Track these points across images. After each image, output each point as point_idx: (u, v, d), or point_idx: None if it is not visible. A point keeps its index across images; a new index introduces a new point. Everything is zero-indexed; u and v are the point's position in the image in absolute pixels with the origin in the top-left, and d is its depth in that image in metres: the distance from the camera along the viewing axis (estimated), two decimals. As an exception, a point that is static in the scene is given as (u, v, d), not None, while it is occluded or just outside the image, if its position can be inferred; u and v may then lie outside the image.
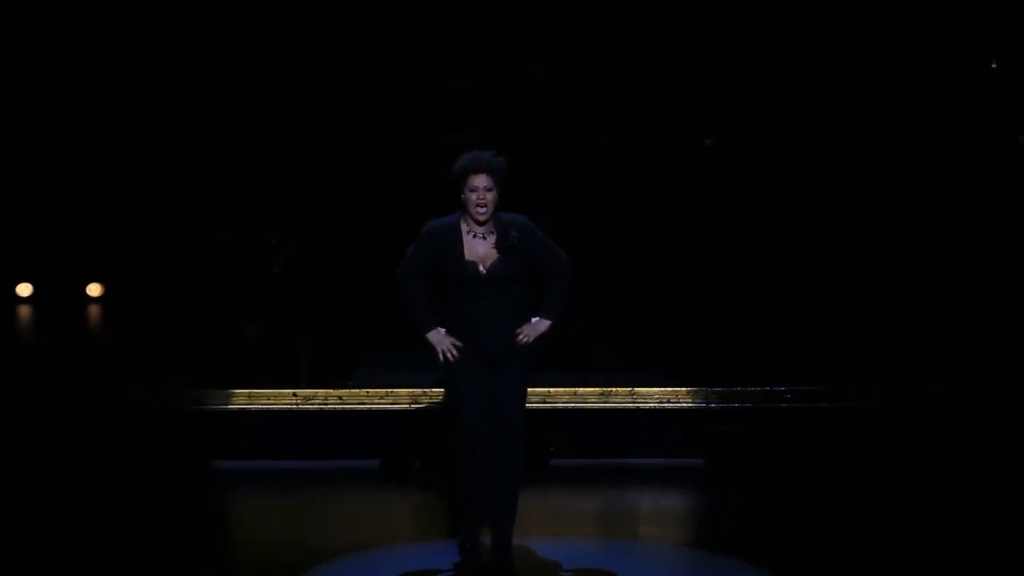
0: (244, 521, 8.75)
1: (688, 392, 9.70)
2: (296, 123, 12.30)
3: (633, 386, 9.71)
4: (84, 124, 12.56)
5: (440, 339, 7.35)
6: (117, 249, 12.73)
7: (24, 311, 12.93)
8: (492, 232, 7.31)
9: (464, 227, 7.33)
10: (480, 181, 7.25)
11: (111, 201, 12.64)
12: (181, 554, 7.73)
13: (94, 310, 12.95)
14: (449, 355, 7.33)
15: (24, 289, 13.14)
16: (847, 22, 12.08)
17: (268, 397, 9.65)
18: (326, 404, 9.65)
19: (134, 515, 8.43)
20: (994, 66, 12.16)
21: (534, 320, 7.42)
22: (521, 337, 7.37)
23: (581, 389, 9.67)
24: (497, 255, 7.29)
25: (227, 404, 9.62)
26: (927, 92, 12.02)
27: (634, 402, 9.67)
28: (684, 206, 11.84)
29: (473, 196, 7.26)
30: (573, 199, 11.85)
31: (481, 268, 7.29)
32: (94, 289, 13.14)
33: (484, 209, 7.26)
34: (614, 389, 9.69)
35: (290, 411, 9.63)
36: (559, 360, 10.23)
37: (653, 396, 9.69)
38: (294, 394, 9.64)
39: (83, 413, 9.51)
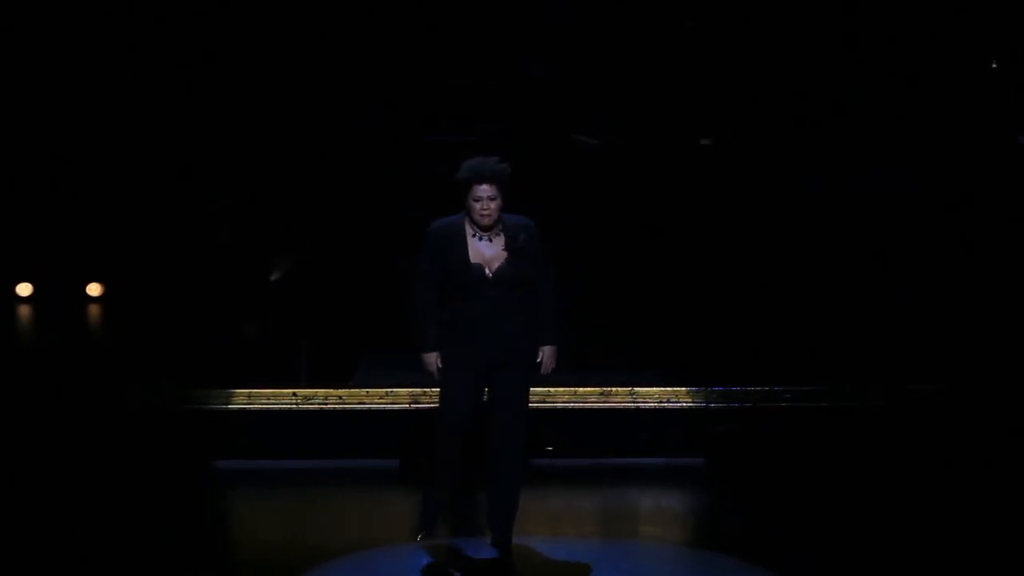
0: (244, 521, 8.75)
1: (688, 392, 9.71)
2: (296, 123, 12.29)
3: (633, 386, 9.71)
4: (84, 124, 12.56)
5: (431, 361, 7.39)
6: (117, 249, 12.72)
7: (24, 311, 12.93)
8: (498, 234, 7.31)
9: (469, 230, 7.33)
10: (484, 190, 7.25)
11: (111, 201, 12.63)
12: (181, 554, 7.73)
13: (94, 310, 12.95)
14: (436, 375, 7.40)
15: (24, 289, 13.13)
16: (847, 22, 12.07)
17: (268, 397, 9.65)
18: (326, 404, 9.65)
19: (134, 515, 8.44)
20: (994, 66, 12.16)
21: (545, 350, 7.44)
22: (543, 371, 7.45)
23: (581, 389, 9.67)
24: (504, 258, 7.29)
25: (227, 404, 9.62)
26: (927, 92, 12.02)
27: (634, 402, 9.67)
28: (684, 206, 11.84)
29: (477, 205, 7.26)
30: (573, 199, 11.84)
31: (487, 271, 7.28)
32: (94, 289, 13.13)
33: (489, 218, 7.26)
34: (614, 389, 9.70)
35: (290, 411, 9.63)
36: (559, 360, 10.23)
37: (653, 396, 9.69)
38: (294, 394, 9.65)
39: (83, 413, 9.51)
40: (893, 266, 11.49)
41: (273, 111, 12.31)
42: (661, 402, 9.68)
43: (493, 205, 7.26)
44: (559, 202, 11.60)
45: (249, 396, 9.66)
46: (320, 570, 7.37)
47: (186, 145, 12.46)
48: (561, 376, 9.36)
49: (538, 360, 7.45)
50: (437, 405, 7.51)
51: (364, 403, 9.64)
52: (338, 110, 12.35)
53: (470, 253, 7.29)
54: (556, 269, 7.46)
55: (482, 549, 7.64)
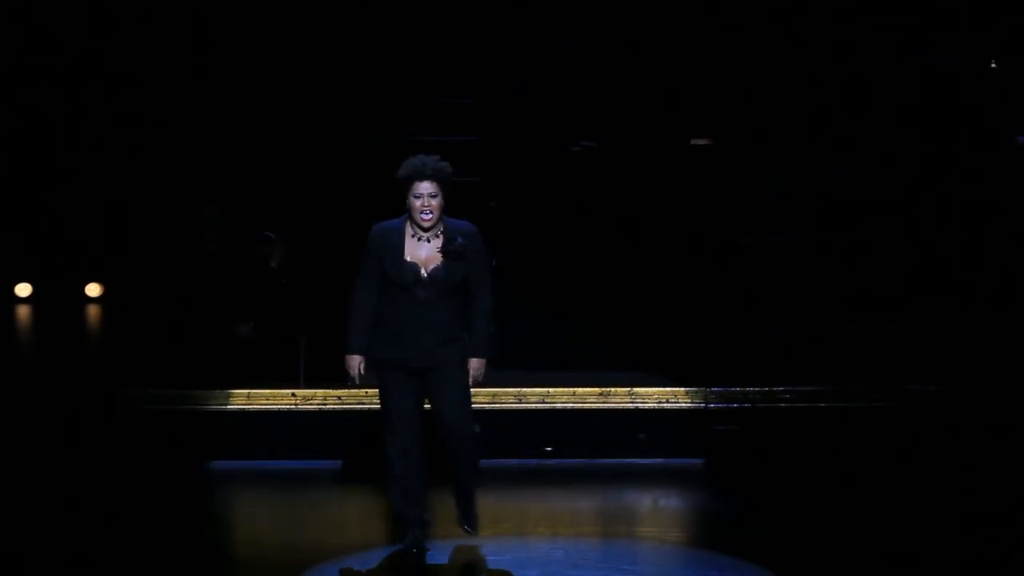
0: (244, 521, 8.76)
1: (687, 392, 9.71)
2: (293, 123, 12.28)
3: (633, 386, 9.72)
4: (83, 123, 12.56)
5: (354, 365, 7.40)
6: (117, 249, 12.71)
7: (24, 311, 12.92)
8: (438, 236, 7.31)
9: (409, 230, 7.32)
10: (424, 188, 7.25)
11: (111, 201, 12.62)
12: (181, 554, 7.73)
13: (94, 310, 12.94)
14: (355, 380, 7.41)
15: (24, 289, 13.12)
16: (844, 22, 12.07)
17: (267, 397, 9.66)
18: (325, 404, 9.66)
19: (134, 515, 8.44)
20: (994, 66, 12.15)
21: (472, 362, 7.39)
22: (471, 382, 7.42)
23: (581, 389, 9.68)
24: (440, 259, 7.28)
25: (227, 404, 9.63)
26: (926, 92, 12.02)
27: (633, 402, 9.67)
28: (685, 205, 11.83)
29: (417, 203, 7.26)
30: (573, 199, 11.84)
31: (422, 271, 7.28)
32: (94, 289, 13.13)
33: (429, 216, 7.26)
34: (614, 389, 9.70)
35: (289, 411, 9.63)
36: (559, 360, 10.23)
37: (652, 396, 9.70)
38: (293, 394, 9.65)
39: (82, 413, 9.51)
40: (892, 266, 11.47)
41: (270, 112, 12.30)
42: (660, 402, 9.68)
43: (434, 203, 7.26)
44: (558, 202, 11.60)
45: (249, 396, 9.67)
46: (320, 570, 7.37)
47: (185, 144, 12.45)
48: (561, 376, 9.36)
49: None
50: (384, 417, 7.48)
51: (363, 403, 9.65)
52: (334, 111, 12.34)
53: (406, 252, 7.29)
54: (494, 281, 7.44)
55: (480, 549, 7.65)
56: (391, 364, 7.34)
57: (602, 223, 11.67)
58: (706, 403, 9.67)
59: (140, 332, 11.65)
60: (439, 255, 7.28)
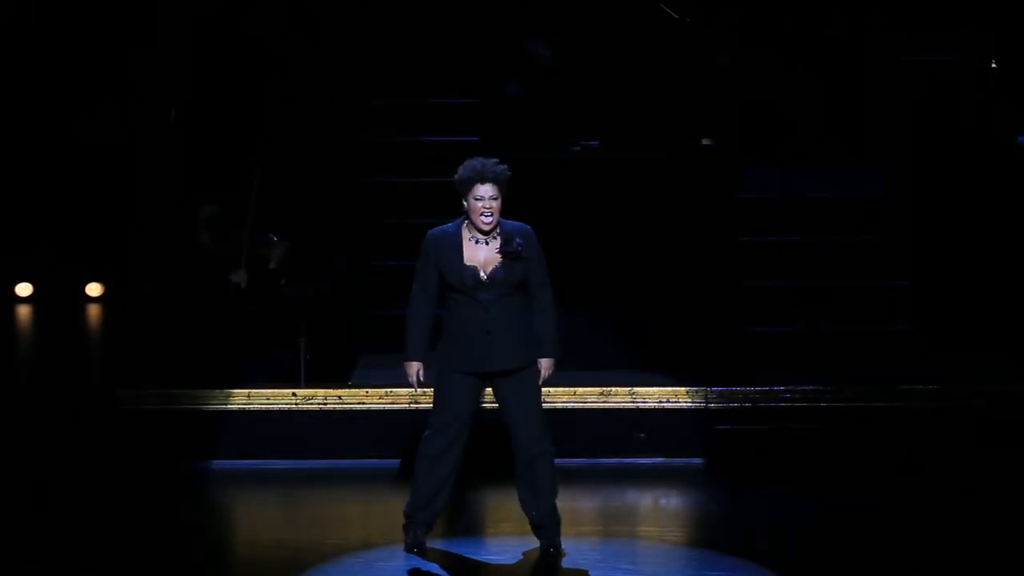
0: (243, 521, 8.76)
1: (687, 392, 9.71)
2: (293, 123, 12.28)
3: (633, 386, 9.71)
4: (83, 122, 12.56)
5: (412, 372, 7.41)
6: (117, 249, 12.72)
7: (24, 311, 12.93)
8: (495, 238, 7.30)
9: (466, 234, 7.32)
10: (486, 190, 7.23)
11: (111, 201, 12.63)
12: (180, 554, 7.73)
13: (94, 310, 12.95)
14: (414, 388, 7.47)
15: (24, 289, 13.13)
16: (841, 22, 12.07)
17: (267, 397, 9.66)
18: (325, 404, 9.65)
19: (133, 515, 8.44)
20: (994, 66, 12.15)
21: (543, 362, 7.40)
22: (541, 382, 7.41)
23: (581, 389, 9.68)
24: (499, 261, 7.27)
25: (227, 404, 9.63)
26: (926, 92, 12.01)
27: (634, 402, 9.67)
28: (685, 205, 11.83)
29: (479, 205, 7.24)
30: (572, 198, 11.84)
31: (482, 274, 7.26)
32: (94, 289, 13.13)
33: (490, 218, 7.25)
34: (614, 389, 9.70)
35: (289, 411, 9.63)
36: (560, 360, 10.22)
37: (653, 396, 9.69)
38: (293, 394, 9.65)
39: (82, 413, 9.51)
40: (892, 265, 11.46)
41: (269, 112, 12.30)
42: (661, 402, 9.68)
43: (495, 205, 7.25)
44: (558, 201, 11.59)
45: (249, 396, 9.66)
46: (320, 570, 7.37)
47: (185, 142, 12.45)
48: (561, 376, 9.35)
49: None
50: (431, 414, 7.49)
51: (364, 403, 9.65)
52: (333, 110, 12.33)
53: (464, 256, 7.27)
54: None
55: (480, 549, 7.65)
56: (460, 369, 7.33)
57: (602, 223, 11.67)
58: (706, 403, 9.66)
59: (140, 332, 11.66)
60: (498, 257, 7.27)
